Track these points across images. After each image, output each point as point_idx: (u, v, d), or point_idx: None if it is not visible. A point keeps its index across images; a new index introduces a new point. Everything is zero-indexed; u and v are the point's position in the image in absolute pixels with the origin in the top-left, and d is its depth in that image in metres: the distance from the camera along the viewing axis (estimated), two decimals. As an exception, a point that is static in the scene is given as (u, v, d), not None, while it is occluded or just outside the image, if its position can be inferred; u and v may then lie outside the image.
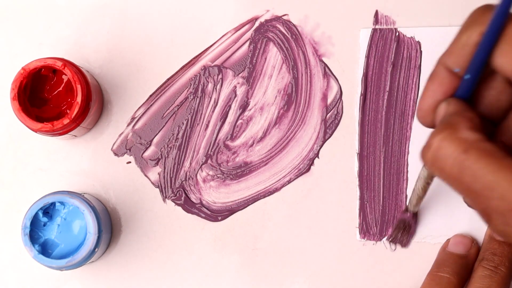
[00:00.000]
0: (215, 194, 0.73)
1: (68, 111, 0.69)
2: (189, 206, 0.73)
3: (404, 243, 0.71)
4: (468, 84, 0.54)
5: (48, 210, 0.69)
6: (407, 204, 0.70)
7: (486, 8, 0.53)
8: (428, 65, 0.72)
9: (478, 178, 0.49)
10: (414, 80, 0.72)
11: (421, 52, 0.72)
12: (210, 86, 0.73)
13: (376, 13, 0.73)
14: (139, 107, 0.73)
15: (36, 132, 0.68)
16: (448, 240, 0.71)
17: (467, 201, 0.57)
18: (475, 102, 0.56)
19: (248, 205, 0.73)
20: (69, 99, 0.70)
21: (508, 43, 0.51)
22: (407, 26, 0.72)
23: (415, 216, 0.70)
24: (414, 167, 0.71)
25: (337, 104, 0.73)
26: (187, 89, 0.73)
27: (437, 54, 0.72)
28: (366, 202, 0.72)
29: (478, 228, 0.71)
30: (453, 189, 0.51)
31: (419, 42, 0.72)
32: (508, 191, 0.48)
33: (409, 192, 0.71)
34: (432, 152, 0.51)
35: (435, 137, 0.51)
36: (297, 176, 0.73)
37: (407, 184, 0.72)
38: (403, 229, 0.70)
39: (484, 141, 0.50)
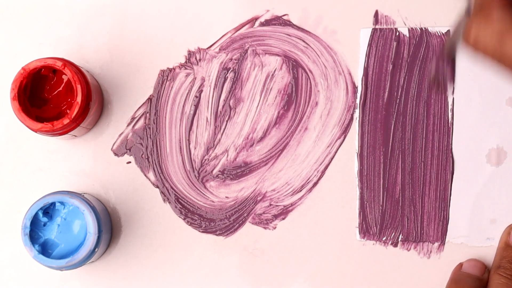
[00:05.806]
0: (215, 194, 0.73)
1: (68, 111, 0.69)
2: (189, 206, 0.73)
3: (444, 87, 0.66)
4: None
5: (48, 210, 0.69)
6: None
7: None
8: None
9: None
10: (414, 80, 0.72)
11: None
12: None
13: (376, 13, 0.73)
14: (139, 107, 0.73)
15: (36, 132, 0.68)
16: (461, 263, 0.70)
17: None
18: None
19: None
20: (69, 99, 0.70)
21: None
22: (406, 26, 0.72)
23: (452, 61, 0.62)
24: (414, 167, 0.71)
25: (337, 104, 0.73)
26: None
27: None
28: (366, 202, 0.72)
29: (474, 229, 0.71)
30: (499, 66, 0.51)
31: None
32: None
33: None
34: (473, 39, 0.51)
35: (472, 24, 0.51)
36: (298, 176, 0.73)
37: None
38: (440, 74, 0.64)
39: None
